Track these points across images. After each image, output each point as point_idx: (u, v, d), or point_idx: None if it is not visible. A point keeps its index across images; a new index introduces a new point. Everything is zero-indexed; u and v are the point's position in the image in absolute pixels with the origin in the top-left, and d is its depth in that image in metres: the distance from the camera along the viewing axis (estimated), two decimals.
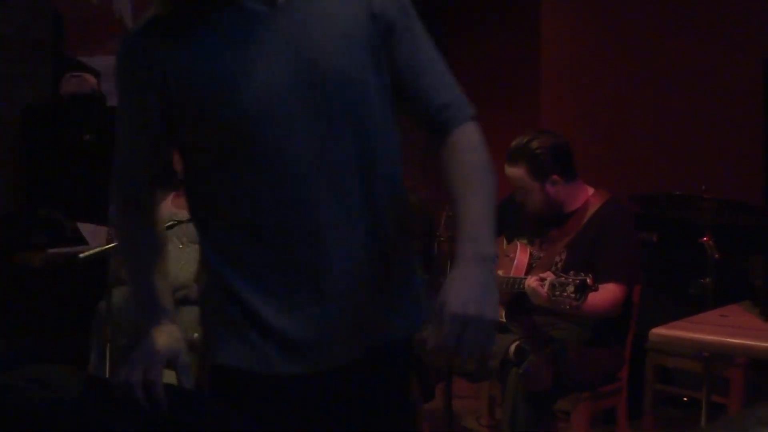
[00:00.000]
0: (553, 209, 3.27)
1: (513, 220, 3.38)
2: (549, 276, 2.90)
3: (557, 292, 2.83)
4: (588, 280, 2.79)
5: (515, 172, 3.23)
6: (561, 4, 5.34)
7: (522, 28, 5.50)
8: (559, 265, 3.13)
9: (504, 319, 3.23)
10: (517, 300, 3.19)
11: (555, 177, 3.22)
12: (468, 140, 1.64)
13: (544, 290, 2.86)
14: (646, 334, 2.65)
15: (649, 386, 3.76)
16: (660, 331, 2.55)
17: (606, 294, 3.05)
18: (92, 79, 4.85)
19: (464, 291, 1.46)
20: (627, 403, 3.38)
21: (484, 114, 5.91)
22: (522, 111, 5.37)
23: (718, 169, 4.41)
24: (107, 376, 3.48)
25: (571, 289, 2.80)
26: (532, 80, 5.38)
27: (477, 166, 1.61)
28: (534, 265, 3.28)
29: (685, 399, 4.19)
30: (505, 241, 3.44)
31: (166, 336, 1.68)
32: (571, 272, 2.86)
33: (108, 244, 3.34)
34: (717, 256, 3.06)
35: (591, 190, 3.30)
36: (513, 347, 3.08)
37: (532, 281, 2.95)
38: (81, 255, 3.12)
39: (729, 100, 4.45)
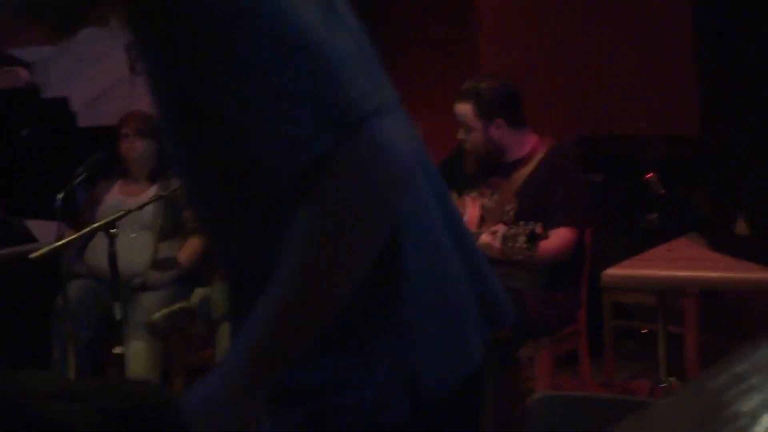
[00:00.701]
0: (494, 153, 3.31)
1: (460, 172, 3.42)
2: (500, 228, 2.94)
3: (509, 244, 2.87)
4: (537, 229, 2.84)
5: (462, 108, 3.28)
6: None
7: None
8: (510, 214, 3.18)
9: None
10: None
11: (500, 120, 3.26)
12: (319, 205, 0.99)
13: (497, 244, 2.90)
14: (600, 273, 2.70)
15: (608, 323, 3.85)
16: (612, 271, 2.61)
17: (558, 239, 3.11)
18: (25, 73, 4.76)
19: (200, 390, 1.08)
20: (587, 343, 3.46)
21: (421, 60, 5.90)
22: (459, 56, 5.37)
23: (657, 105, 4.48)
24: (72, 370, 3.48)
25: (522, 239, 2.85)
26: (469, 26, 5.38)
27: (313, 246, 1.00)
28: (486, 216, 3.32)
29: (643, 331, 4.30)
30: (455, 196, 3.48)
31: None
32: (521, 222, 2.91)
33: (58, 241, 3.30)
34: (662, 191, 3.13)
35: (536, 138, 3.34)
36: None
37: (485, 237, 2.99)
38: (31, 255, 3.09)
39: (661, 36, 4.50)
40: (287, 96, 0.96)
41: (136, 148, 3.96)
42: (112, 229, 3.10)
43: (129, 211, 3.22)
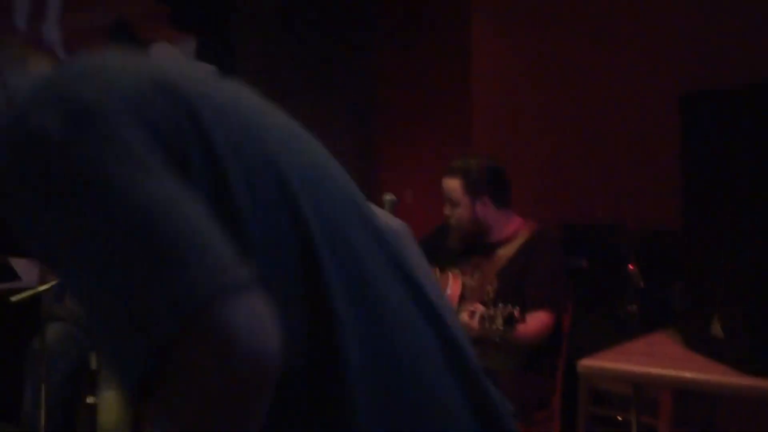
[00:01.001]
0: (478, 230, 3.34)
1: (444, 248, 3.45)
2: (479, 308, 2.96)
3: (487, 325, 2.89)
4: (515, 313, 2.86)
5: (451, 183, 3.33)
6: (491, 37, 5.43)
7: (453, 61, 5.57)
8: (491, 294, 3.19)
9: None
10: None
11: (486, 198, 3.30)
12: None
13: (475, 324, 2.92)
14: (578, 356, 2.72)
15: (583, 410, 3.84)
16: (588, 362, 2.63)
17: (535, 322, 3.13)
18: None
19: None
20: (560, 427, 3.45)
21: (415, 140, 5.96)
22: (453, 139, 5.45)
23: (642, 198, 4.54)
24: (42, 416, 3.45)
25: (500, 321, 2.87)
26: (464, 110, 5.46)
27: None
28: (466, 295, 3.34)
29: (619, 417, 4.29)
30: (437, 272, 3.50)
31: None
32: (500, 304, 2.93)
33: (41, 284, 3.30)
34: (641, 284, 3.16)
35: (520, 220, 3.38)
36: None
37: (463, 316, 3.01)
38: (13, 298, 3.09)
39: (649, 134, 4.60)
40: (104, 296, 0.81)
41: None
42: None
43: None
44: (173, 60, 1.05)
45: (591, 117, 4.95)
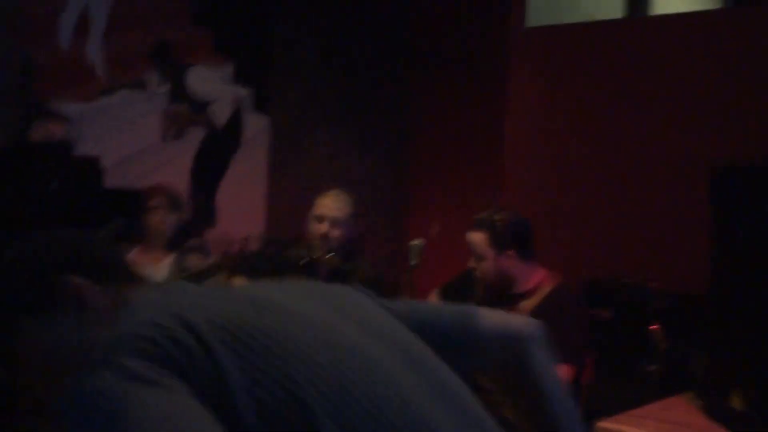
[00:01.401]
0: (503, 282, 3.34)
1: (467, 296, 3.44)
2: None
3: None
4: None
5: (476, 237, 3.34)
6: (528, 91, 5.45)
7: (489, 111, 5.58)
8: None
9: None
10: None
11: (511, 252, 3.31)
12: None
13: None
14: (599, 410, 2.70)
15: None
16: (606, 425, 2.60)
17: None
18: (60, 128, 4.86)
19: None
20: None
21: (448, 186, 5.89)
22: (484, 187, 5.46)
23: (669, 260, 4.51)
24: None
25: None
26: (496, 160, 5.47)
27: None
28: None
29: None
30: None
31: None
32: None
33: None
34: (663, 346, 3.13)
35: (544, 273, 3.37)
36: None
37: None
38: None
39: (680, 199, 4.58)
40: None
41: (168, 222, 4.02)
42: None
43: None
44: (191, 292, 1.23)
45: (623, 177, 4.94)
